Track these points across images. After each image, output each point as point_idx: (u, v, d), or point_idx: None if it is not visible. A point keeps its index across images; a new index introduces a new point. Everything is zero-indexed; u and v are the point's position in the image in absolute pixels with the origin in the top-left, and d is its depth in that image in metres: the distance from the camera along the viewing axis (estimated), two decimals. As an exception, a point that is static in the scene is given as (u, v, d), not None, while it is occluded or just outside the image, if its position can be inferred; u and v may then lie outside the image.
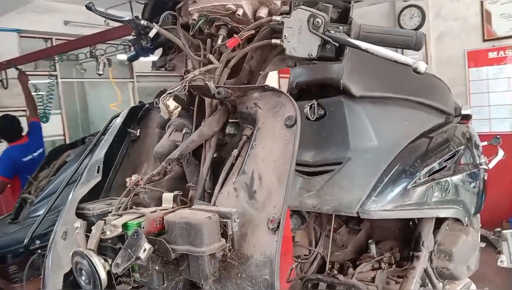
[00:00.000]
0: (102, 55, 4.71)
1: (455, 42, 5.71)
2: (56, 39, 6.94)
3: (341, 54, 1.15)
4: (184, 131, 1.23)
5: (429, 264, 1.74)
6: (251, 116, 1.09)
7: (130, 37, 1.44)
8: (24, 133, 4.82)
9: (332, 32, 1.09)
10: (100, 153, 1.31)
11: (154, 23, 1.32)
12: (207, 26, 1.26)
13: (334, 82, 1.52)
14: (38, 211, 3.22)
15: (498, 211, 4.51)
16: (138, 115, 1.44)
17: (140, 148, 1.40)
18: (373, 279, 1.71)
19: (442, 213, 1.64)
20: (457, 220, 1.80)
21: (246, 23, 1.24)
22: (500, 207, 4.76)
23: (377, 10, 6.15)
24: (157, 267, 0.96)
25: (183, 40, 1.24)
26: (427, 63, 5.55)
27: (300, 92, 1.66)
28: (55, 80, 6.93)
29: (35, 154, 4.68)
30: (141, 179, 1.12)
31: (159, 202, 1.11)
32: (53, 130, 6.88)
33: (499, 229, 2.16)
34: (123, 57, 6.38)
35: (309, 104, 1.56)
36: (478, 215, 2.04)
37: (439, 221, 1.80)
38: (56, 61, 6.51)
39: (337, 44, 1.11)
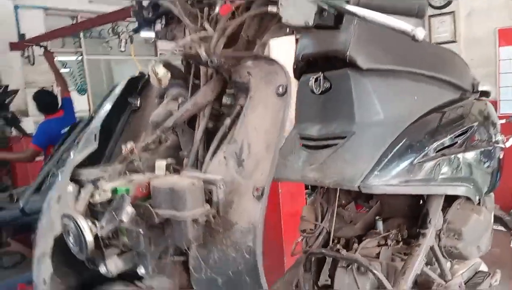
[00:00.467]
0: (124, 32, 4.75)
1: (485, 20, 5.48)
2: (82, 16, 7.02)
3: (340, 22, 1.12)
4: (180, 100, 1.23)
5: (437, 243, 1.71)
6: (244, 85, 1.08)
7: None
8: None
9: (329, -1, 1.06)
10: (97, 121, 1.32)
11: None
12: None
13: (340, 54, 1.48)
14: (58, 182, 3.31)
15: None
16: (138, 86, 1.44)
17: (140, 118, 1.41)
18: (378, 256, 1.69)
19: (451, 191, 1.59)
20: (469, 199, 1.75)
21: None
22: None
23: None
24: (142, 231, 0.98)
25: (180, 8, 1.22)
26: (455, 41, 5.35)
27: (308, 64, 1.62)
28: (81, 57, 7.03)
29: None
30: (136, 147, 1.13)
31: (153, 170, 1.12)
32: (80, 106, 7.03)
33: (515, 210, 2.10)
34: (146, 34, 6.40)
35: (315, 77, 1.53)
36: (492, 194, 1.98)
37: (451, 200, 1.75)
38: (81, 38, 6.61)
39: (335, 12, 1.07)
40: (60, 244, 1.04)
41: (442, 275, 1.66)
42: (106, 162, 1.34)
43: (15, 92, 5.73)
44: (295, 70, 1.66)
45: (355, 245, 1.74)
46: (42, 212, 1.19)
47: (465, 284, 1.71)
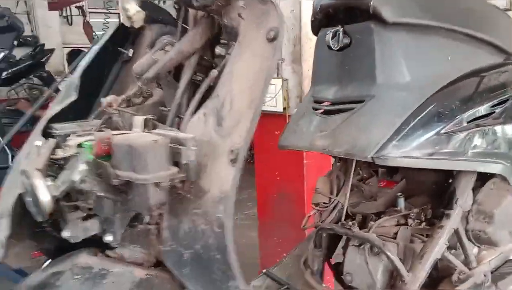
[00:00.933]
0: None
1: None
2: (119, -24, 6.92)
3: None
4: (168, 49, 1.09)
5: (464, 226, 1.52)
6: (234, 30, 0.93)
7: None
8: None
9: None
10: (77, 72, 1.20)
11: None
12: None
13: (363, 4, 1.29)
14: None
15: None
16: (129, 35, 1.30)
17: (131, 69, 1.28)
18: (395, 236, 1.52)
19: (483, 168, 1.40)
20: (504, 178, 1.54)
21: None
22: None
23: None
24: (100, 193, 0.86)
25: None
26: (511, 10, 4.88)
27: (327, 17, 1.44)
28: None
29: None
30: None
31: (137, 128, 1.00)
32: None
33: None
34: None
35: (333, 31, 1.35)
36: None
37: (484, 178, 1.55)
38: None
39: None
40: (22, 204, 0.94)
41: (466, 262, 1.48)
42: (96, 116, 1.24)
43: (51, 51, 5.77)
44: (313, 24, 1.48)
45: (372, 223, 1.58)
46: (11, 168, 1.10)
47: (491, 273, 1.52)
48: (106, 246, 0.97)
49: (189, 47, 1.01)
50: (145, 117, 0.96)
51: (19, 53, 5.07)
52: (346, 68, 1.36)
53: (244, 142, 0.82)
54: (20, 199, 0.93)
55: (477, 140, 1.34)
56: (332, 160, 3.77)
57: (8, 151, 3.74)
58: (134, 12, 0.91)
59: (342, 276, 1.53)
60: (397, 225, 1.57)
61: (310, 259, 1.63)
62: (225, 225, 0.79)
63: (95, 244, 0.98)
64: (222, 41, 1.05)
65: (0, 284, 2.40)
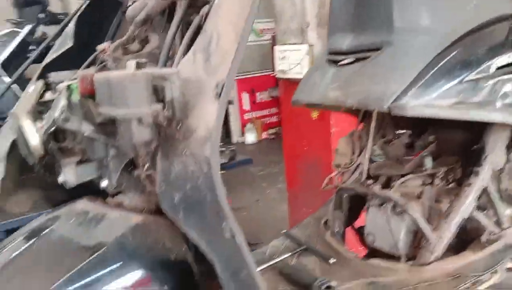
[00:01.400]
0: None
1: None
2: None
3: None
4: None
5: (497, 185, 1.42)
6: None
7: None
8: None
9: None
10: (72, 21, 1.18)
11: None
12: None
13: None
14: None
15: None
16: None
17: None
18: (421, 196, 1.44)
19: (514, 119, 1.28)
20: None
21: None
22: None
23: None
24: (86, 133, 0.84)
25: None
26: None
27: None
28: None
29: None
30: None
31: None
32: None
33: None
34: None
35: (348, -25, 1.27)
36: None
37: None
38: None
39: None
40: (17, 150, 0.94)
41: (497, 222, 1.38)
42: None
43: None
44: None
45: (395, 182, 1.50)
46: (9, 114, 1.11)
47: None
48: (108, 195, 0.96)
49: None
50: (137, 60, 0.92)
51: (51, 30, 5.17)
52: (362, 14, 1.28)
53: (227, 77, 0.77)
54: (15, 144, 0.93)
55: (508, 89, 1.23)
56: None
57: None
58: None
59: (364, 237, 1.48)
60: (423, 185, 1.49)
61: (331, 221, 1.57)
62: (211, 163, 0.75)
63: (98, 194, 0.97)
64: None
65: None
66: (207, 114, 0.78)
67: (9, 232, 1.00)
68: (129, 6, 1.20)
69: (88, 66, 1.06)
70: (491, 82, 1.20)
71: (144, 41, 1.03)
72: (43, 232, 0.89)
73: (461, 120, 1.23)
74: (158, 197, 0.85)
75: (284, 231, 1.58)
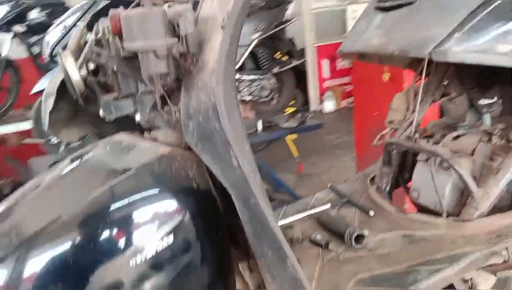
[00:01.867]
0: None
1: None
2: None
3: None
4: None
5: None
6: None
7: None
8: None
9: None
10: None
11: None
12: None
13: None
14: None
15: None
16: None
17: None
18: (474, 153, 1.36)
19: None
20: None
21: None
22: None
23: None
24: (114, 67, 0.93)
25: None
26: None
27: None
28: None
29: None
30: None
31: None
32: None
33: None
34: None
35: None
36: None
37: None
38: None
39: None
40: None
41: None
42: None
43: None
44: None
45: (446, 137, 1.44)
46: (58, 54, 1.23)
47: None
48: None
49: None
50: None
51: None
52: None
53: (233, 8, 0.80)
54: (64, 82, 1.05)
55: None
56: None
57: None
58: None
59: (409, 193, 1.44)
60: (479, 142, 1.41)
61: (378, 176, 1.55)
62: (215, 93, 0.79)
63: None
64: None
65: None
66: (215, 44, 0.83)
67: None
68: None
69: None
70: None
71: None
72: (84, 156, 1.01)
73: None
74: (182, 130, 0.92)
75: (329, 184, 1.60)
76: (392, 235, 1.28)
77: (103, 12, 1.18)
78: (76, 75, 0.96)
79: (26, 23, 4.46)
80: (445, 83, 1.65)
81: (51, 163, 1.56)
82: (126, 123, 1.11)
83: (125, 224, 0.87)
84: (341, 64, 5.79)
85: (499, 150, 1.35)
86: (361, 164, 3.12)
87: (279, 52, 3.56)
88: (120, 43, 0.88)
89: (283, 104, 3.79)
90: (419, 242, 1.23)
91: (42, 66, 4.13)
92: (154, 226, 0.88)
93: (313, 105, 5.83)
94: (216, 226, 0.99)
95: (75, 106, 1.13)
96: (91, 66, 0.97)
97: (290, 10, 4.13)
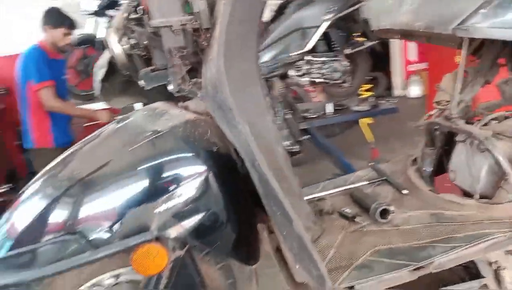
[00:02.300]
0: None
1: None
2: None
3: None
4: None
5: None
6: None
7: None
8: None
9: None
10: None
11: None
12: None
13: None
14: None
15: None
16: None
17: None
18: (517, 137, 1.31)
19: None
20: None
21: None
22: None
23: None
24: (144, 42, 1.07)
25: None
26: None
27: None
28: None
29: None
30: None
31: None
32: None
33: None
34: None
35: None
36: None
37: None
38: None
39: None
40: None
41: None
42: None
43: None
44: None
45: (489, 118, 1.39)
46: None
47: None
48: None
49: None
50: None
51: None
52: None
53: None
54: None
55: None
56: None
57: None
58: None
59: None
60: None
61: (420, 157, 1.55)
62: (218, 65, 0.89)
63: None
64: None
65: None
66: (222, 19, 0.93)
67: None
68: None
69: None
70: None
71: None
72: (126, 119, 1.20)
73: None
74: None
75: (371, 163, 1.62)
76: (422, 213, 1.29)
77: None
78: (118, 49, 1.12)
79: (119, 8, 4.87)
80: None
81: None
82: (171, 94, 1.26)
83: (153, 175, 1.03)
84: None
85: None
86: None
87: (353, 34, 3.50)
88: (147, 20, 1.02)
89: (356, 87, 3.73)
90: (445, 221, 1.22)
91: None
92: (174, 179, 1.02)
93: (397, 90, 5.64)
94: (235, 187, 1.10)
95: (129, 79, 1.29)
96: (132, 41, 1.12)
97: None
